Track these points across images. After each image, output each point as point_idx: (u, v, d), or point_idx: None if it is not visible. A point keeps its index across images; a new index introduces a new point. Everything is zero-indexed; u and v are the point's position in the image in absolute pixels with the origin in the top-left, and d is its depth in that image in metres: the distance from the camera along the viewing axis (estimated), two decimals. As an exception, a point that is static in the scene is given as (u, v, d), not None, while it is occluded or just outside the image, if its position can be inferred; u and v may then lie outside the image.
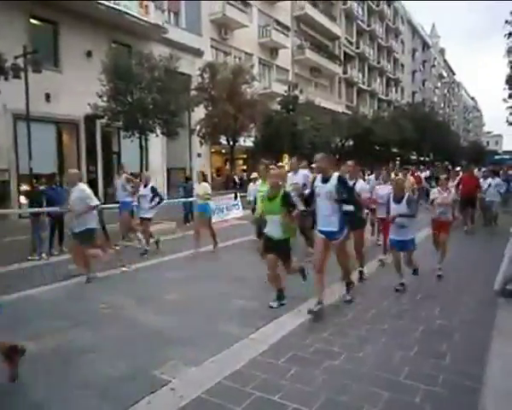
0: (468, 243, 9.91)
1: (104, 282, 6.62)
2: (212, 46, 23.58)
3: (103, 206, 10.01)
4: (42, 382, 3.49)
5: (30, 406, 3.19)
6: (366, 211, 7.52)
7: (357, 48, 42.12)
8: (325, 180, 4.88)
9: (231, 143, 19.39)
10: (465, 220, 10.96)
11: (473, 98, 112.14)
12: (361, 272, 6.44)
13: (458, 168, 19.99)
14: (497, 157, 40.65)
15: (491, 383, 3.37)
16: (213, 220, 12.53)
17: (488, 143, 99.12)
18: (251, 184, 11.21)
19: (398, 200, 5.83)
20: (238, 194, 15.10)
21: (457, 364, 3.70)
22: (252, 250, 7.41)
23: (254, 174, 9.97)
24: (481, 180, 11.70)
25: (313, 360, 3.78)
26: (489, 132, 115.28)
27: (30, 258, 8.16)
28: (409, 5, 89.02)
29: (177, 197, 15.06)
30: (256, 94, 19.20)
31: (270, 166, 6.67)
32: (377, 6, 46.21)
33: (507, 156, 37.98)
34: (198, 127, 18.68)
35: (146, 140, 14.07)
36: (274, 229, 5.10)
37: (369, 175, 12.89)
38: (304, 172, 7.48)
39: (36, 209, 8.64)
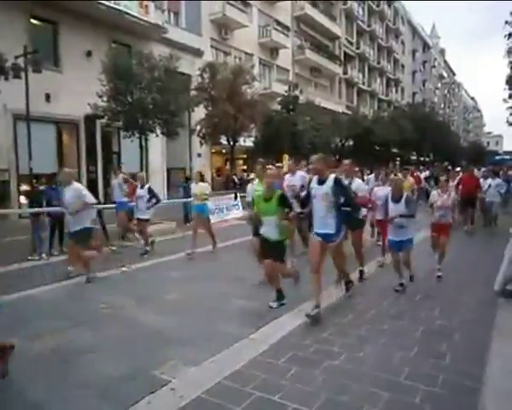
0: (468, 243, 9.91)
1: (104, 282, 6.62)
2: (212, 46, 23.59)
3: (103, 206, 10.03)
4: (42, 382, 3.49)
5: (29, 406, 3.19)
6: (364, 210, 7.43)
7: (358, 48, 42.13)
8: (321, 182, 4.80)
9: (231, 143, 19.40)
10: (465, 221, 10.96)
11: (473, 99, 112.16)
12: (361, 272, 6.43)
13: (458, 168, 20.00)
14: (497, 157, 40.64)
15: (491, 383, 3.37)
16: (213, 220, 12.56)
17: (488, 143, 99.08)
18: (249, 184, 11.18)
19: (396, 200, 5.78)
20: (238, 194, 15.10)
21: (457, 364, 3.70)
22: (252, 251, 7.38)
23: (252, 175, 9.93)
24: (481, 180, 11.66)
25: (313, 360, 3.78)
26: (489, 133, 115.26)
27: (30, 258, 8.17)
28: (409, 5, 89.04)
29: (177, 197, 15.07)
30: (256, 94, 19.20)
31: (267, 166, 6.61)
32: (377, 6, 46.23)
33: (507, 157, 37.97)
34: (198, 127, 18.69)
35: (146, 140, 14.07)
36: (270, 230, 5.07)
37: (368, 175, 12.90)
38: (301, 174, 7.43)
39: (36, 209, 8.64)
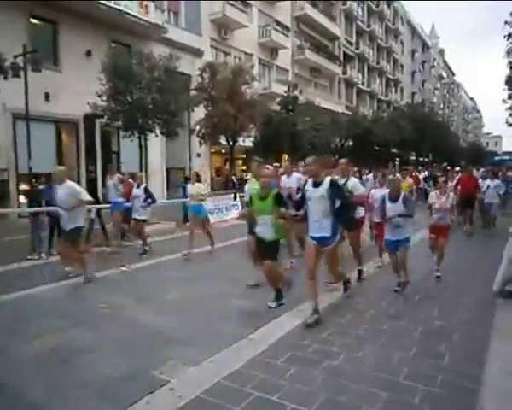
0: (467, 244, 9.92)
1: (103, 282, 6.62)
2: (211, 46, 23.60)
3: (102, 205, 10.02)
4: (41, 381, 3.49)
5: (29, 405, 3.19)
6: (362, 211, 7.36)
7: (357, 48, 42.15)
8: (317, 184, 4.69)
9: (231, 143, 19.40)
10: (464, 221, 10.96)
11: (472, 99, 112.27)
12: (360, 271, 6.40)
13: (458, 168, 20.03)
14: (496, 158, 40.66)
15: (490, 383, 3.38)
16: (212, 220, 12.59)
17: (488, 144, 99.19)
18: (247, 184, 11.15)
19: (394, 199, 5.68)
20: (237, 194, 15.11)
21: (456, 364, 3.71)
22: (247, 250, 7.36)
23: (249, 175, 9.79)
24: (480, 181, 11.63)
25: (312, 360, 3.79)
26: (488, 133, 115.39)
27: (29, 257, 8.16)
28: (408, 5, 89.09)
29: (176, 197, 15.07)
30: (256, 94, 19.20)
31: (264, 166, 6.54)
32: (377, 6, 46.26)
33: (506, 157, 38.00)
34: (198, 127, 18.69)
35: (145, 140, 14.08)
36: (266, 230, 5.04)
37: (367, 175, 12.86)
38: (297, 176, 7.29)
39: (35, 209, 8.63)
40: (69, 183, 6.54)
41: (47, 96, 14.83)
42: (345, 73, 39.26)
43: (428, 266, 6.78)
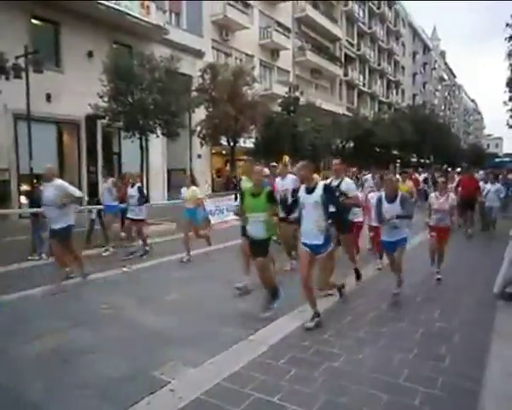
0: (467, 246, 9.91)
1: (104, 282, 6.63)
2: (213, 47, 23.63)
3: (102, 206, 10.00)
4: (41, 382, 3.49)
5: (29, 405, 3.19)
6: (360, 215, 7.32)
7: (358, 50, 42.19)
8: (310, 190, 4.55)
9: (232, 144, 19.41)
10: (465, 223, 10.93)
11: (473, 101, 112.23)
12: (357, 271, 6.25)
13: (459, 169, 19.98)
14: (497, 160, 40.61)
15: (491, 385, 3.38)
16: (213, 222, 12.59)
17: (488, 145, 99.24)
18: (241, 183, 11.06)
19: (391, 199, 5.48)
20: (238, 195, 15.07)
21: (457, 366, 3.70)
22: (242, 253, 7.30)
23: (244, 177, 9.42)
24: (481, 183, 11.60)
25: (312, 361, 3.79)
26: (489, 135, 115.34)
27: (30, 258, 8.17)
28: (409, 6, 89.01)
29: (177, 198, 15.04)
30: (257, 95, 19.23)
31: (255, 164, 6.43)
32: (378, 8, 46.31)
33: (507, 159, 37.94)
34: (198, 128, 18.71)
35: (146, 141, 14.09)
36: (257, 228, 4.94)
37: (365, 175, 12.79)
38: (292, 177, 7.15)
39: (36, 209, 8.63)
40: (58, 181, 6.42)
41: (48, 97, 14.86)
42: (346, 74, 39.30)
43: (429, 269, 6.76)
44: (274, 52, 29.01)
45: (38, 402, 3.21)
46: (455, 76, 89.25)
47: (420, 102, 52.74)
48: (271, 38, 27.60)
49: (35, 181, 11.47)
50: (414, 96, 60.20)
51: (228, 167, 24.65)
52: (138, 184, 8.96)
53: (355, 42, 41.72)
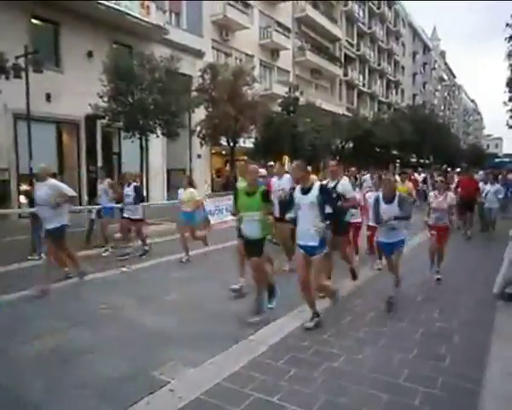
0: (467, 247, 9.91)
1: (103, 282, 6.62)
2: (213, 47, 23.62)
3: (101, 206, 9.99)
4: (41, 382, 3.49)
5: (29, 405, 3.19)
6: (355, 212, 7.28)
7: (358, 50, 42.20)
8: (305, 191, 4.48)
9: (231, 144, 19.40)
10: (464, 224, 10.92)
11: (473, 101, 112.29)
12: (352, 271, 6.18)
13: (458, 169, 19.98)
14: (496, 160, 40.63)
15: (491, 385, 3.38)
16: (213, 222, 12.58)
17: (488, 146, 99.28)
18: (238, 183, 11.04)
19: (389, 200, 5.38)
20: (232, 195, 15.03)
21: (457, 366, 3.70)
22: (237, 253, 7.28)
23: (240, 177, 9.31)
24: (481, 184, 11.58)
25: (312, 361, 3.78)
26: (489, 135, 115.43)
27: (30, 258, 8.15)
28: (409, 6, 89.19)
29: (177, 198, 15.03)
30: (257, 95, 19.21)
31: (250, 164, 6.39)
32: (378, 8, 46.31)
33: (507, 159, 37.96)
34: (198, 128, 18.70)
35: (146, 141, 14.09)
36: (252, 228, 4.85)
37: (364, 175, 12.79)
38: (289, 177, 7.02)
39: (36, 209, 8.62)
40: (51, 181, 6.34)
41: (48, 97, 14.85)
42: (346, 74, 39.30)
43: (428, 268, 6.76)
44: (274, 52, 29.02)
45: (38, 402, 3.21)
46: (455, 76, 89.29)
47: (420, 103, 52.79)
48: (271, 38, 27.60)
49: (35, 181, 11.45)
50: (414, 96, 60.23)
51: (228, 167, 24.66)
52: (134, 183, 8.92)
53: (355, 42, 41.73)
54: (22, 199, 13.33)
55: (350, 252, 6.77)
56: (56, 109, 14.99)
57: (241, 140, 19.99)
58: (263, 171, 7.48)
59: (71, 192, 6.34)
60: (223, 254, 8.75)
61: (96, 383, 3.45)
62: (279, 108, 23.07)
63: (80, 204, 14.58)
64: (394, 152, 35.04)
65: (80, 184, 16.16)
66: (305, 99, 25.36)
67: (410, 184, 9.33)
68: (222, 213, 14.04)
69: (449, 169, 22.81)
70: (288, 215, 4.89)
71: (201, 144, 19.43)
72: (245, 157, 6.75)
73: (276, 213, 5.85)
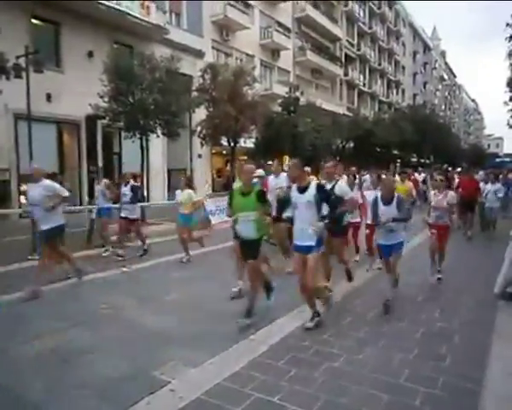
0: (467, 247, 9.90)
1: (103, 282, 6.62)
2: (213, 47, 23.61)
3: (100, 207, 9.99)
4: (41, 382, 3.49)
5: (29, 405, 3.19)
6: (357, 216, 7.26)
7: (359, 50, 42.18)
8: (302, 190, 4.45)
9: (232, 144, 19.40)
10: (464, 224, 10.89)
11: (473, 101, 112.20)
12: (348, 272, 6.07)
13: (459, 169, 19.95)
14: (497, 160, 40.60)
15: (491, 385, 3.37)
16: (214, 221, 12.59)
17: (489, 145, 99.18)
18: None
19: (387, 201, 5.29)
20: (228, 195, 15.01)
21: (457, 366, 3.70)
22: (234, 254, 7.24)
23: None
24: (481, 184, 11.55)
25: (313, 361, 3.78)
26: (490, 135, 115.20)
27: (30, 258, 8.14)
28: (410, 6, 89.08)
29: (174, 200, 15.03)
30: (257, 95, 19.19)
31: (246, 163, 6.33)
32: (378, 8, 46.29)
33: (508, 159, 37.93)
34: (199, 128, 18.69)
35: (147, 141, 14.08)
36: (248, 228, 4.77)
37: (364, 175, 12.74)
38: (285, 175, 7.02)
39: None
40: (46, 181, 6.31)
41: (49, 97, 14.86)
42: (346, 74, 39.29)
43: (429, 268, 6.75)
44: (274, 52, 29.01)
45: (38, 402, 3.21)
46: (455, 76, 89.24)
47: (420, 102, 52.74)
48: (272, 38, 27.59)
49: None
50: (414, 95, 60.19)
51: (228, 167, 24.65)
52: (132, 183, 8.90)
53: (355, 42, 41.70)
54: (23, 199, 13.35)
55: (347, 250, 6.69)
56: (57, 109, 14.99)
57: (241, 140, 19.98)
58: (260, 171, 7.41)
59: (64, 192, 6.33)
60: (223, 254, 8.74)
61: (96, 383, 3.45)
62: (279, 108, 23.05)
63: (81, 204, 14.60)
64: (395, 152, 34.99)
65: (81, 184, 16.16)
66: (306, 99, 25.34)
67: (410, 184, 9.25)
68: (223, 213, 14.03)
69: (449, 169, 22.76)
70: (285, 214, 4.88)
71: (202, 144, 19.42)
72: (245, 157, 6.69)
73: (273, 213, 5.81)
